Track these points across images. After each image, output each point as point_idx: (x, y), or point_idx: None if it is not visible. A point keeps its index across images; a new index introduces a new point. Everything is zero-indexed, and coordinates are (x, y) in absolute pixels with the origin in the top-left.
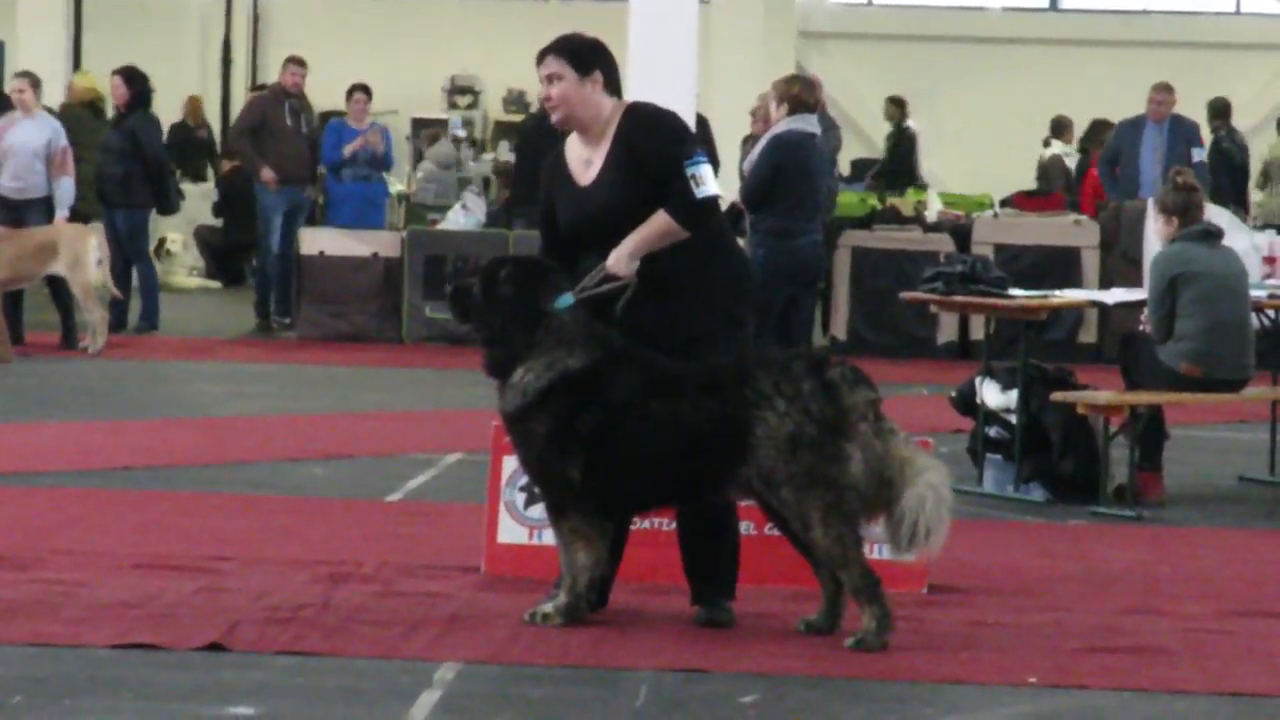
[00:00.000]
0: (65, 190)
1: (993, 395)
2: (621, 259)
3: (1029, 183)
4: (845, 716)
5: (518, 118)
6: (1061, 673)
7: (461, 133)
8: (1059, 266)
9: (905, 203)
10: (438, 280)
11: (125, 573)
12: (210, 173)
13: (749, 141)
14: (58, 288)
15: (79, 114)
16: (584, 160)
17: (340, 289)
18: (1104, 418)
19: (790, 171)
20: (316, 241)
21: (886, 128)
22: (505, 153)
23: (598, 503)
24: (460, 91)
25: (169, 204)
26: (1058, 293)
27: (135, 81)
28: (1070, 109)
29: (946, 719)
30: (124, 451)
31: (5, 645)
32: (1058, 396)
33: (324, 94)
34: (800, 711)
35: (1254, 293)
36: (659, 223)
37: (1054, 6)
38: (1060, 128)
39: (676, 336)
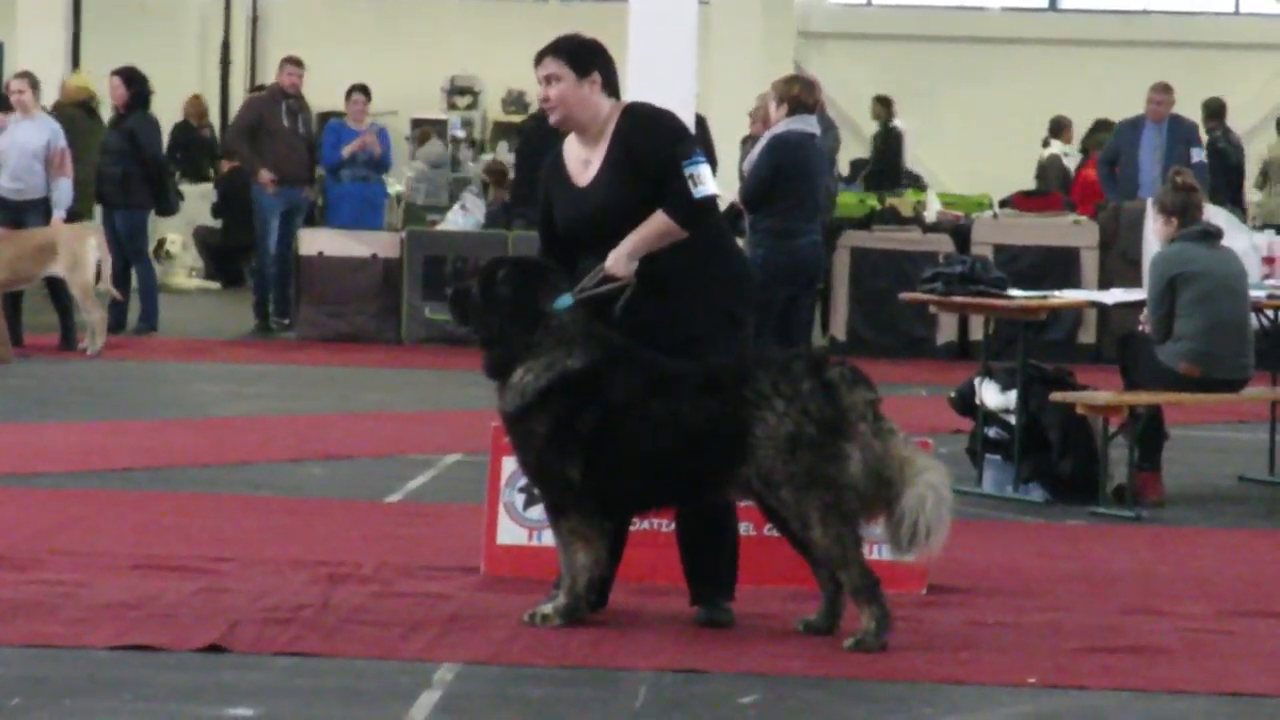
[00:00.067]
0: (63, 191)
1: (992, 395)
2: (620, 259)
3: (1028, 183)
4: (845, 717)
5: (517, 118)
6: (1061, 673)
7: (461, 133)
8: (1058, 267)
9: (904, 203)
10: (437, 281)
11: (124, 573)
12: (210, 173)
13: (748, 142)
14: (57, 289)
15: (73, 114)
16: (582, 161)
17: (339, 290)
18: (1103, 418)
19: (790, 172)
20: (315, 242)
21: (899, 132)
22: (504, 153)
23: (597, 503)
24: (459, 92)
25: (168, 205)
26: (1057, 293)
27: (134, 82)
28: (1070, 109)
29: (946, 719)
30: (123, 452)
31: (5, 646)
32: (1057, 397)
33: (323, 95)
34: (800, 712)
35: (1253, 293)
36: (657, 223)
37: (1053, 6)
38: (1059, 128)
39: (676, 336)
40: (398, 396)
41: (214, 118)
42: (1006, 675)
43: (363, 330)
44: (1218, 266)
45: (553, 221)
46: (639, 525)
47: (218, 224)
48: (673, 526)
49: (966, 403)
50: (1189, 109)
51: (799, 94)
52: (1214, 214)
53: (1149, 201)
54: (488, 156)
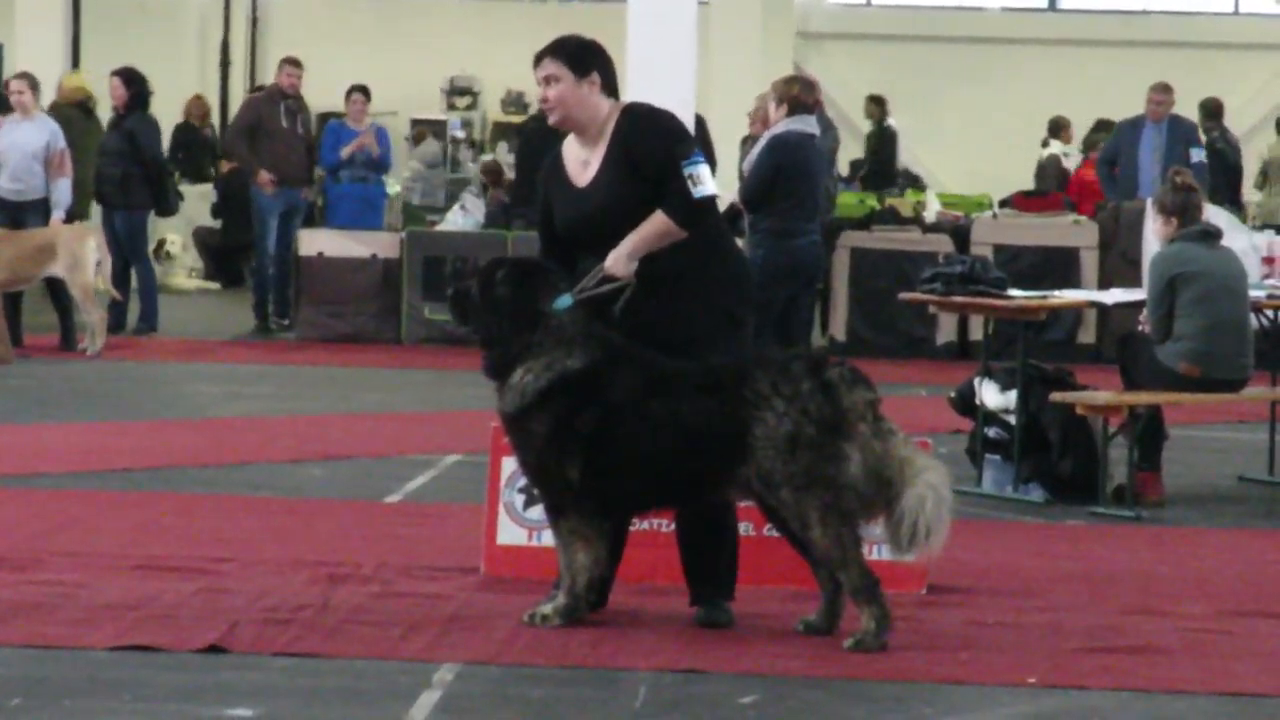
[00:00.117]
0: (62, 192)
1: (992, 396)
2: (620, 259)
3: (1028, 183)
4: (845, 717)
5: (517, 119)
6: (1060, 673)
7: (460, 133)
8: (1058, 267)
9: (904, 203)
10: (437, 281)
11: (124, 574)
12: (211, 173)
13: (748, 142)
14: (56, 289)
15: (69, 114)
16: (581, 161)
17: (339, 290)
18: (1103, 418)
19: (789, 172)
20: (315, 243)
21: (893, 131)
22: (504, 154)
23: (597, 503)
24: (459, 92)
25: (167, 205)
26: (1056, 293)
27: (134, 83)
28: (1069, 109)
29: (945, 719)
30: (123, 453)
31: (4, 647)
32: (1057, 397)
33: (323, 95)
34: (799, 712)
35: (1253, 293)
36: (657, 223)
37: (1053, 7)
38: (1057, 128)
39: (675, 337)
40: (397, 397)
41: (214, 118)
42: (1006, 675)
43: (362, 330)
44: (1218, 266)
45: (552, 222)
46: (639, 525)
47: (217, 224)
48: (672, 527)
49: (966, 403)
50: (1188, 109)
51: (798, 94)
52: (1214, 214)
53: (1149, 202)
54: (488, 157)
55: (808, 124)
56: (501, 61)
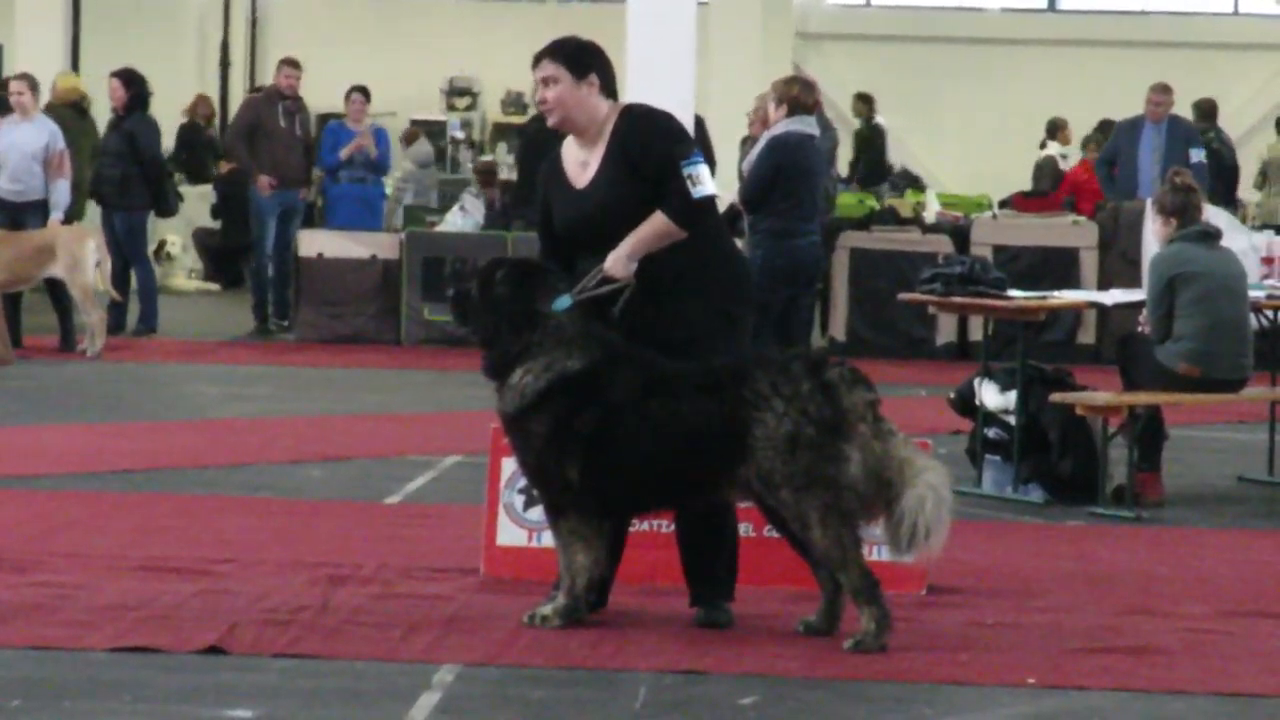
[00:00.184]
0: (61, 193)
1: (991, 396)
2: (620, 260)
3: (1027, 183)
4: (844, 717)
5: (516, 119)
6: (1060, 673)
7: (460, 134)
8: (1057, 267)
9: (904, 204)
10: (436, 282)
11: (124, 575)
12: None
13: (747, 143)
14: (56, 290)
15: (64, 114)
16: (580, 162)
17: (339, 291)
18: (1103, 418)
19: (789, 172)
20: (315, 243)
21: (881, 129)
22: (503, 154)
23: (596, 504)
24: (458, 93)
25: (167, 206)
26: (1056, 294)
27: (133, 84)
28: (1069, 110)
29: (945, 719)
30: (122, 454)
31: (4, 648)
32: (1056, 397)
33: (322, 96)
34: (799, 712)
35: (1252, 293)
36: (656, 223)
37: (1052, 7)
38: (1055, 129)
39: (675, 337)
40: (397, 398)
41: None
42: (1006, 676)
43: (362, 331)
44: (1217, 267)
45: (552, 223)
46: (638, 526)
47: (217, 225)
48: (672, 527)
49: (966, 403)
50: (1188, 109)
51: (798, 95)
52: (1213, 214)
53: (1148, 202)
54: (487, 157)
55: (807, 125)
56: (501, 62)
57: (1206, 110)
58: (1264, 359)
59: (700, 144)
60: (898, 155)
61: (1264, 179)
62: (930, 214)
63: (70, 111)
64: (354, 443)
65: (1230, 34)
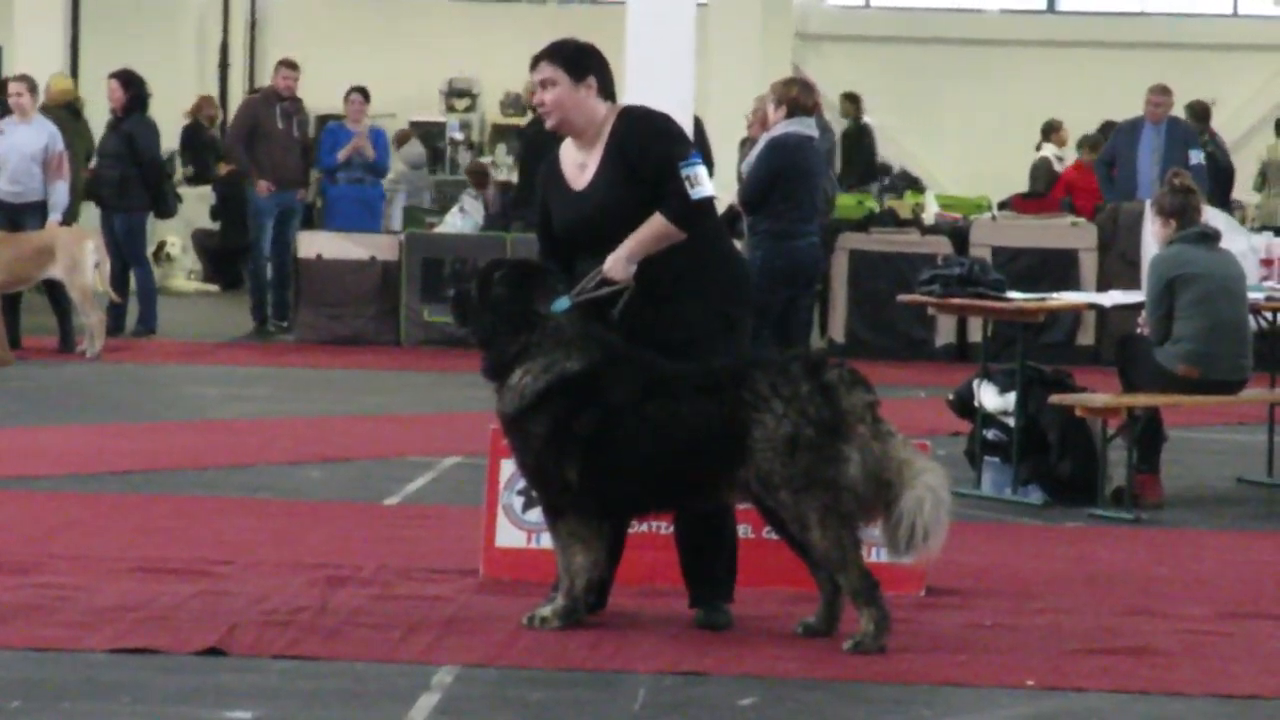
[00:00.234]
0: (60, 194)
1: (990, 397)
2: (619, 263)
3: (1026, 185)
4: (844, 719)
5: (516, 120)
6: (1059, 675)
7: (460, 135)
8: (1057, 268)
9: (903, 205)
10: (435, 283)
11: (123, 576)
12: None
13: (746, 144)
14: (55, 291)
15: (58, 116)
16: (578, 165)
17: (338, 292)
18: (1102, 420)
19: (788, 174)
20: (314, 245)
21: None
22: (503, 155)
23: (595, 505)
24: (458, 94)
25: (166, 207)
26: (1055, 295)
27: (132, 85)
28: (1068, 111)
29: None
30: (122, 455)
31: (4, 649)
32: (1055, 399)
33: (322, 97)
34: (798, 714)
35: (1252, 294)
36: (655, 225)
37: (1051, 8)
38: (1050, 130)
39: (674, 339)
40: (396, 399)
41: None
42: (1005, 677)
43: (361, 333)
44: (1216, 268)
45: (551, 225)
46: (638, 527)
47: (216, 227)
48: (671, 529)
49: (965, 405)
50: (1185, 111)
51: (797, 96)
52: (1213, 216)
53: (1147, 203)
54: (486, 159)
55: (806, 126)
56: (500, 63)
57: (1199, 112)
58: (1263, 360)
59: (699, 145)
60: (897, 157)
61: (1263, 180)
62: (929, 215)
63: (64, 113)
64: (353, 444)
65: (1229, 35)
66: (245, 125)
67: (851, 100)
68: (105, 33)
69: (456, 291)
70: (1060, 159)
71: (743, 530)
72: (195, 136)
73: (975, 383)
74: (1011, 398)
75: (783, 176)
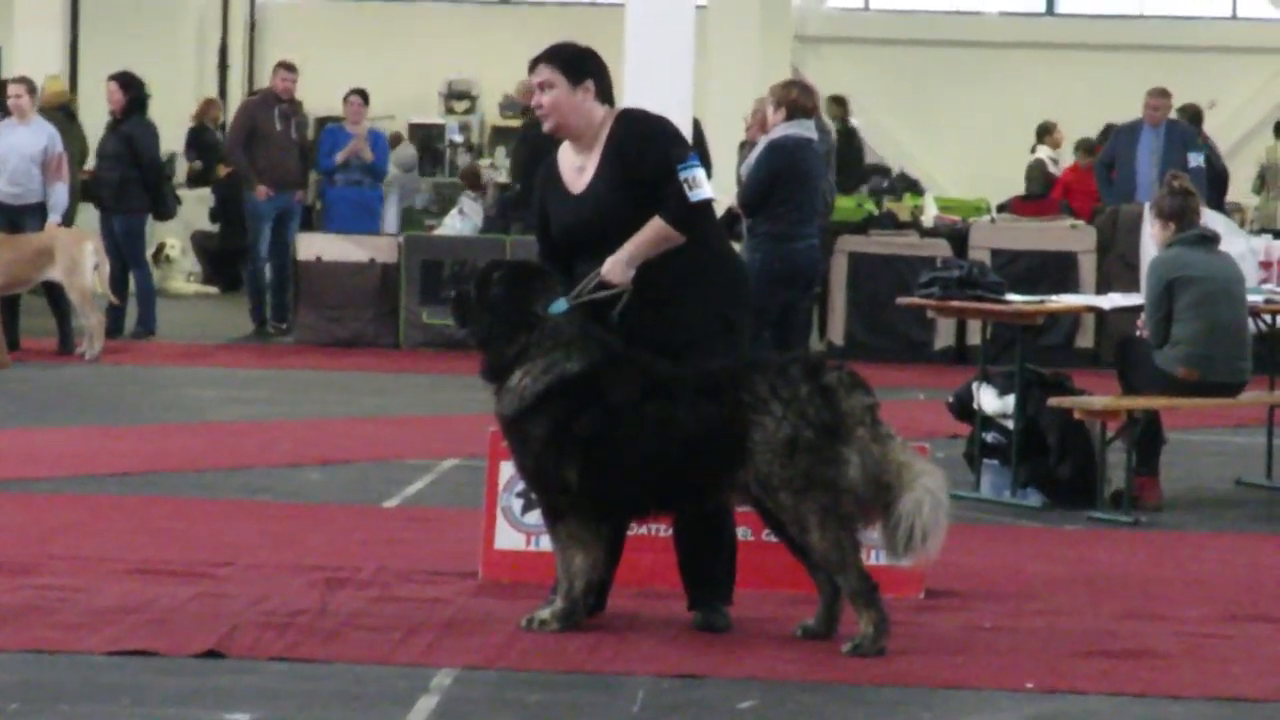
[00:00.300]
0: (59, 196)
1: (990, 400)
2: (618, 266)
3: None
4: None
5: (515, 122)
6: (1058, 677)
7: (459, 137)
8: (1056, 271)
9: (902, 207)
10: (435, 285)
11: (122, 578)
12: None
13: (746, 146)
14: (54, 293)
15: (52, 118)
16: (576, 168)
17: (337, 294)
18: (1101, 422)
19: (788, 176)
20: (313, 247)
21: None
22: (501, 158)
23: (594, 507)
24: (457, 96)
25: (165, 209)
26: (1054, 297)
27: (131, 87)
28: (1067, 113)
29: None
30: (121, 457)
31: (2, 651)
32: (1054, 401)
33: (321, 99)
34: (798, 716)
35: (1250, 297)
36: (654, 228)
37: (1050, 11)
38: (1044, 132)
39: (673, 341)
40: (395, 401)
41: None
42: (1004, 680)
43: (360, 335)
44: (1215, 271)
45: (549, 228)
46: (637, 529)
47: (216, 229)
48: (670, 531)
49: (964, 407)
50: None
51: (797, 98)
52: (1211, 218)
53: (1146, 206)
54: (485, 161)
55: (806, 128)
56: (500, 65)
57: (1192, 117)
58: (1262, 363)
59: (697, 147)
60: (896, 159)
61: (1262, 183)
62: (928, 218)
63: (58, 115)
64: (352, 446)
65: (1228, 37)
66: (244, 128)
67: (839, 103)
68: (105, 34)
69: (455, 293)
70: (1055, 160)
71: (742, 533)
72: (200, 138)
73: (974, 385)
74: (1010, 400)
75: (782, 179)
